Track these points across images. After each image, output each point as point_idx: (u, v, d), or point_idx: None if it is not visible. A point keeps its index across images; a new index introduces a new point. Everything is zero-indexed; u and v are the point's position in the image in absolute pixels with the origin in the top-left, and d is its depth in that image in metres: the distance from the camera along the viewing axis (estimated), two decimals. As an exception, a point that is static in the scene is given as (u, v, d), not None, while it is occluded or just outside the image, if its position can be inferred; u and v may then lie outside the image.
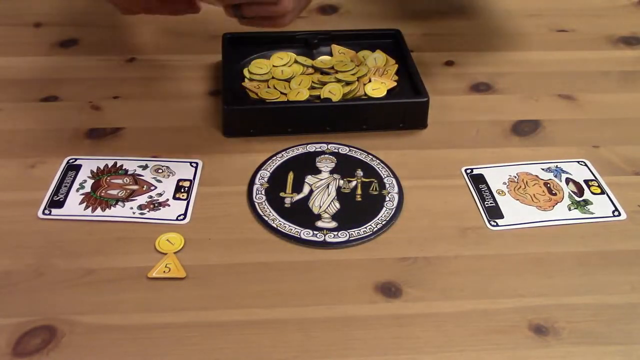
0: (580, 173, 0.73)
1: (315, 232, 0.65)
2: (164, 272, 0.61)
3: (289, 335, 0.56)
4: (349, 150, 0.75)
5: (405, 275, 0.61)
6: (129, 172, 0.71)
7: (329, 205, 0.68)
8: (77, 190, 0.69)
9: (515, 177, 0.72)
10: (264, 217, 0.66)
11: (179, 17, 0.97)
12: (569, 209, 0.69)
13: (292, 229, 0.65)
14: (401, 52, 0.86)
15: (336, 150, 0.75)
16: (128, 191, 0.69)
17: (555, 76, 0.88)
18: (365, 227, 0.66)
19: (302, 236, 0.65)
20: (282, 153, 0.74)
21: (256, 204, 0.68)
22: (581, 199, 0.70)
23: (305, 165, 0.73)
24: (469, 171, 0.73)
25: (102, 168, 0.71)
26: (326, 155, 0.74)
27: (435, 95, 0.79)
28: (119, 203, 0.67)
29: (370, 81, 0.81)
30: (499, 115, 0.81)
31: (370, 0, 1.01)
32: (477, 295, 0.60)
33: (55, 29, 0.94)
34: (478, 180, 0.72)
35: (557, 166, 0.74)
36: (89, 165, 0.72)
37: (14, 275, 0.61)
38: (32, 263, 0.62)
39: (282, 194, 0.69)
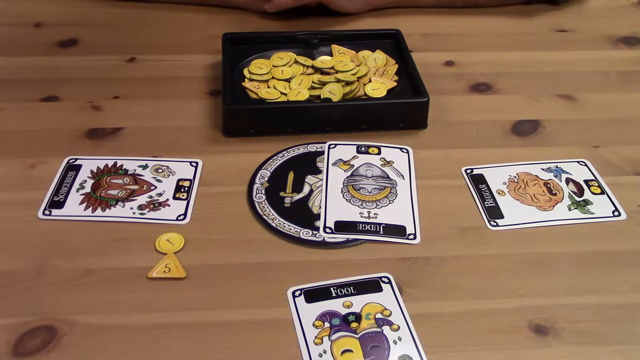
0: (580, 173, 0.73)
1: (315, 232, 0.65)
2: (164, 272, 0.61)
3: (289, 335, 0.56)
4: (349, 150, 0.75)
5: (405, 275, 0.61)
6: (129, 172, 0.71)
7: (329, 205, 0.68)
8: (77, 190, 0.69)
9: (515, 177, 0.72)
10: (264, 216, 0.66)
11: (179, 16, 0.98)
12: (569, 209, 0.69)
13: (291, 229, 0.65)
14: (401, 52, 0.86)
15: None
16: (128, 191, 0.69)
17: (555, 76, 0.88)
18: (365, 227, 0.66)
19: (302, 236, 0.65)
20: (282, 153, 0.74)
21: (256, 203, 0.68)
22: (581, 199, 0.70)
23: (306, 165, 0.73)
24: (469, 171, 0.73)
25: (102, 168, 0.71)
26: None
27: (435, 95, 0.78)
28: (119, 203, 0.67)
29: (370, 81, 0.81)
30: (499, 115, 0.81)
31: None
32: (477, 295, 0.60)
33: (55, 29, 0.94)
34: (478, 180, 0.72)
35: (557, 166, 0.74)
36: (89, 165, 0.72)
37: (14, 275, 0.61)
38: (32, 263, 0.62)
39: (282, 194, 0.69)
